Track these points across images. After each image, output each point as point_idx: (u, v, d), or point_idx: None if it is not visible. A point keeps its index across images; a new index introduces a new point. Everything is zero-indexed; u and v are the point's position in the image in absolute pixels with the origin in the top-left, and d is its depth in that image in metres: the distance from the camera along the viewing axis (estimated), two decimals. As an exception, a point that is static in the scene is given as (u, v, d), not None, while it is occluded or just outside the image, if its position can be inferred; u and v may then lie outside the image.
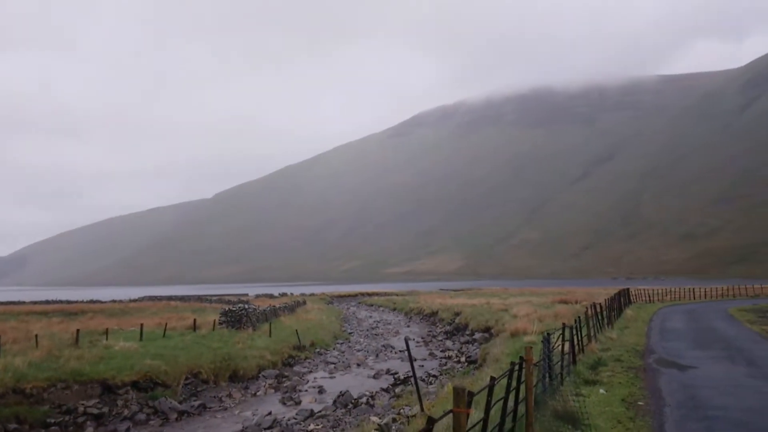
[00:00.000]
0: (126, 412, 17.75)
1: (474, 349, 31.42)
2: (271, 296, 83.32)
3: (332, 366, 28.13)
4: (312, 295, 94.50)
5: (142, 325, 28.39)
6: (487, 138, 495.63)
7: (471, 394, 5.13)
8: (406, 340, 8.69)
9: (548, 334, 11.24)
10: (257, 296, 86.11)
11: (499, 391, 7.90)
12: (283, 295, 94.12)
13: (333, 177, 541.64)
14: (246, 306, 36.01)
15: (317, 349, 32.89)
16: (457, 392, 4.85)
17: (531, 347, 8.53)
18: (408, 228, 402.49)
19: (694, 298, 56.58)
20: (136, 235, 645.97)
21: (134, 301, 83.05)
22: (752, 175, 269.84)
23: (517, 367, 8.02)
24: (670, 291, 59.98)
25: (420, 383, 23.77)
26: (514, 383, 7.92)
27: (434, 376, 24.78)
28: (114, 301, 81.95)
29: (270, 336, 30.74)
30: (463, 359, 28.93)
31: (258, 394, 21.77)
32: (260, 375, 24.73)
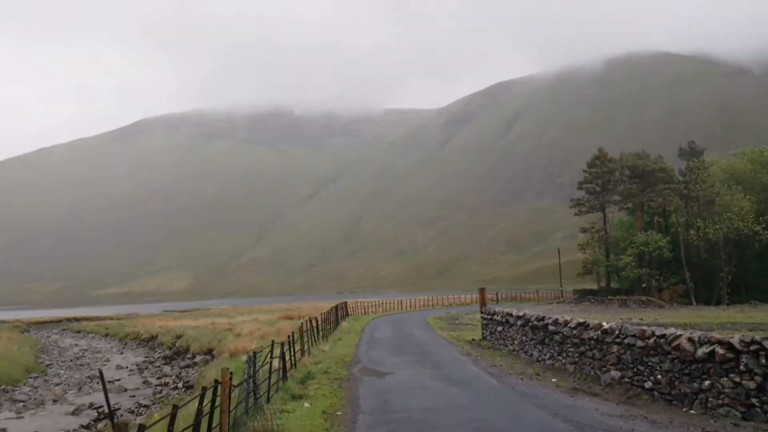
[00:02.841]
0: None
1: (193, 373, 30.48)
2: (-59, 327, 68.14)
3: (21, 404, 24.34)
4: (2, 322, 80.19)
5: None
6: (220, 152, 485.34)
7: (142, 428, 4.74)
8: (100, 371, 7.74)
9: (254, 353, 11.27)
10: None
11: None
12: (-40, 324, 77.65)
13: (32, 184, 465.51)
14: None
15: (1, 386, 28.23)
16: (119, 428, 4.43)
17: (227, 369, 8.38)
18: (127, 244, 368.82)
19: (402, 309, 63.20)
20: None
21: None
22: (450, 201, 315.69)
23: (211, 391, 7.79)
24: (383, 303, 65.98)
25: (128, 415, 21.99)
26: (208, 408, 7.67)
27: (146, 405, 23.30)
28: None
29: (-69, 377, 25.12)
30: (180, 385, 27.83)
31: None
32: None
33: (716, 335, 11.10)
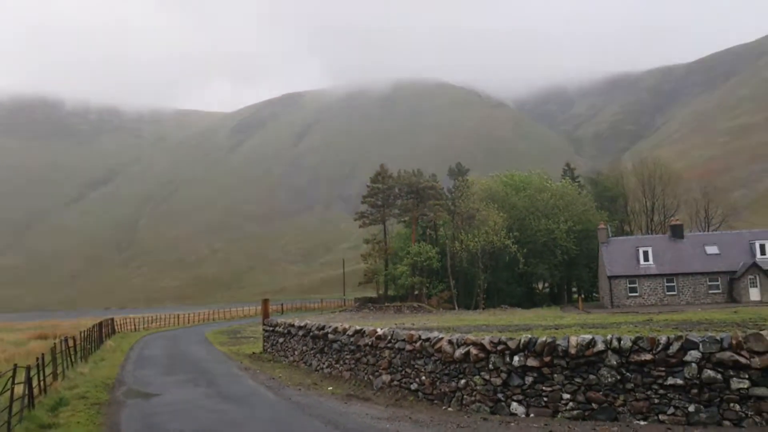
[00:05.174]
0: None
1: None
2: None
3: None
4: None
5: None
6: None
7: None
8: None
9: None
10: None
11: None
12: None
13: None
14: None
15: None
16: None
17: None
18: None
19: (180, 324, 59.45)
20: None
21: None
22: (238, 209, 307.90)
23: None
24: (158, 318, 61.41)
25: None
26: None
27: None
28: None
29: None
30: None
31: None
32: None
33: (471, 337, 12.30)
